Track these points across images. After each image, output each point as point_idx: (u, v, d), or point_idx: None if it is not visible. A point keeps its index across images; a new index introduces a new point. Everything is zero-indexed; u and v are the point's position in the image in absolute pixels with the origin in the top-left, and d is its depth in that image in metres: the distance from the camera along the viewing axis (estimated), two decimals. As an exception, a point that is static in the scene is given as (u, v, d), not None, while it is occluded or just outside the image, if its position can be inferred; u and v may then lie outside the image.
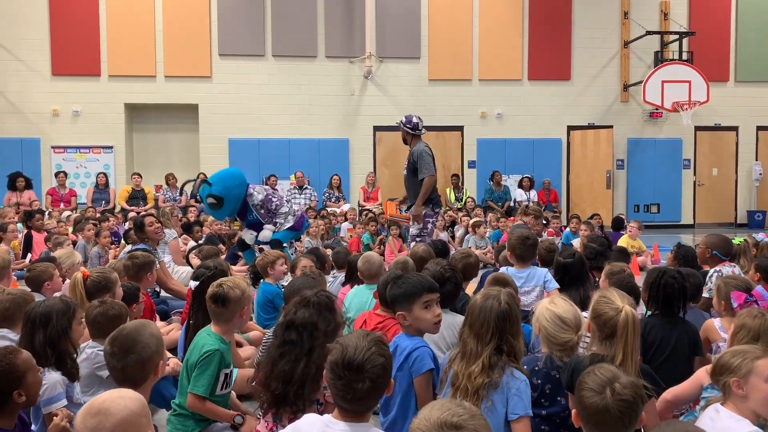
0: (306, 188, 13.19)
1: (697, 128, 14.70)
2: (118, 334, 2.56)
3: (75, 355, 3.04)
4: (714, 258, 4.83)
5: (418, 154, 6.87)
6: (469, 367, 2.56)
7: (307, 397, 2.62)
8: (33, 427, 2.84)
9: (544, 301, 2.98)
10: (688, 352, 3.29)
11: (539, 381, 2.78)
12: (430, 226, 7.06)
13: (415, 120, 7.07)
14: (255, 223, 7.33)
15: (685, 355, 3.28)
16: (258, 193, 7.27)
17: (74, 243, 8.12)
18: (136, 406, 1.91)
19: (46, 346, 2.90)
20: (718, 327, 3.49)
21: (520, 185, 13.95)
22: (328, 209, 12.24)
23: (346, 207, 12.43)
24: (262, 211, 7.25)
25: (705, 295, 4.33)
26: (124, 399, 1.91)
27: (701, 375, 2.79)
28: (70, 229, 9.24)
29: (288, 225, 7.29)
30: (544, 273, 4.62)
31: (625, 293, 2.80)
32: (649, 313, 3.46)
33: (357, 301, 4.37)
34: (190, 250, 8.10)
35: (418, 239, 6.95)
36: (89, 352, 3.21)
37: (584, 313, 3.54)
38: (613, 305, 2.65)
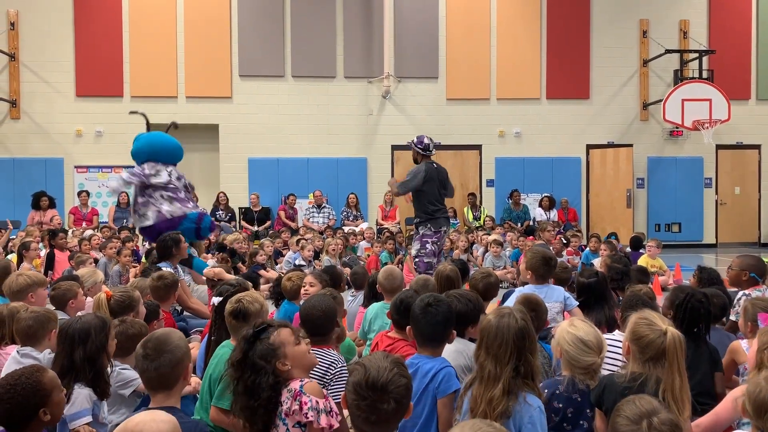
0: (324, 207, 13.24)
1: (719, 146, 14.56)
2: (149, 337, 2.63)
3: (110, 372, 3.07)
4: (751, 280, 4.58)
5: (414, 171, 7.09)
6: (488, 391, 2.47)
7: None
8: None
9: (564, 323, 2.92)
10: (709, 370, 3.31)
11: (561, 404, 2.72)
12: (429, 246, 7.04)
13: (426, 141, 7.21)
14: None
15: (707, 374, 3.30)
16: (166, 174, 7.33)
17: (96, 261, 8.19)
18: (168, 429, 1.92)
19: (85, 362, 2.94)
20: (744, 348, 3.44)
21: (540, 204, 13.87)
22: (346, 228, 12.26)
23: (363, 225, 12.44)
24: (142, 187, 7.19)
25: (732, 318, 4.24)
26: (156, 422, 1.92)
27: (736, 394, 2.71)
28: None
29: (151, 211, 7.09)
30: (562, 291, 4.59)
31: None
32: None
33: (379, 321, 4.32)
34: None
35: (416, 260, 6.98)
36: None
37: (610, 334, 3.50)
38: (655, 327, 2.61)
